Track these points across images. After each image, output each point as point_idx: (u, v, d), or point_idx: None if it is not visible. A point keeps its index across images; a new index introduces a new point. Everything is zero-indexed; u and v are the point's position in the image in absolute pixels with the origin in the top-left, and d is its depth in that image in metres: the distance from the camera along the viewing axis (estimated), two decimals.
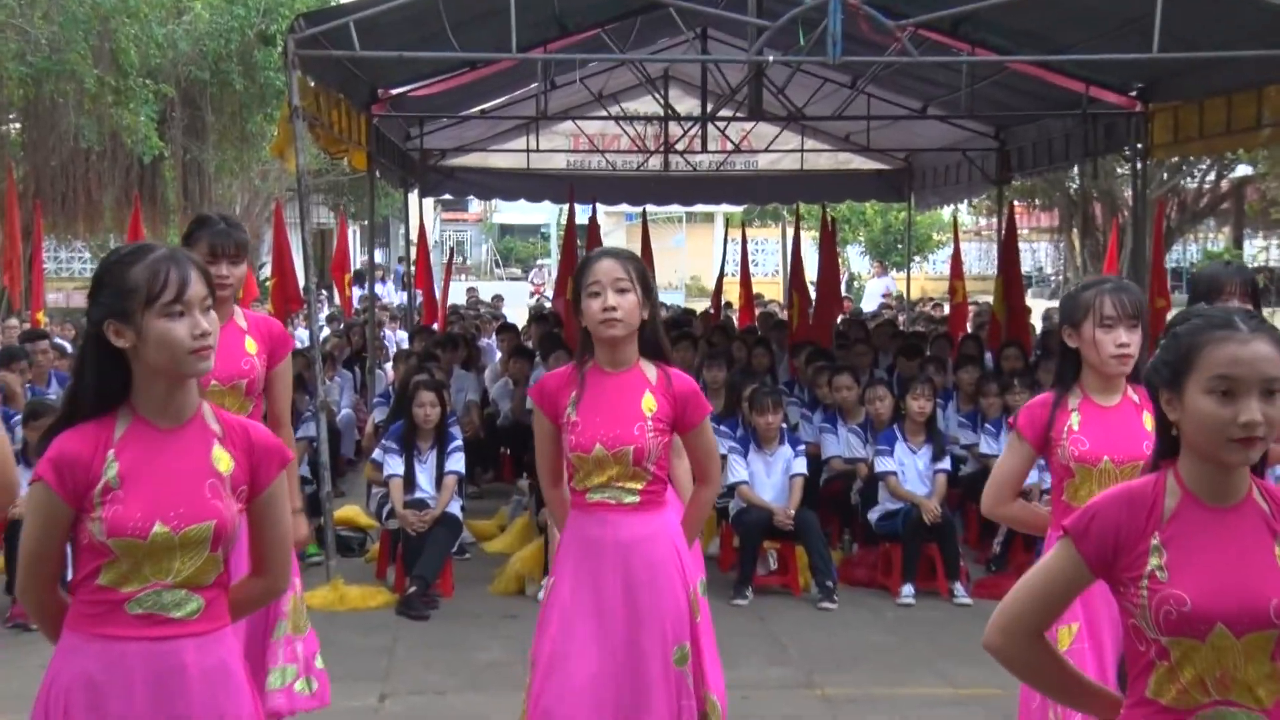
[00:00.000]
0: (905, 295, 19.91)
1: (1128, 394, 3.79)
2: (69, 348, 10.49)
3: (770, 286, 27.55)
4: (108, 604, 2.58)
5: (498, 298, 22.48)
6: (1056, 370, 3.90)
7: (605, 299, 3.69)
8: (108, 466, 2.58)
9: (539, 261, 41.02)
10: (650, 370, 3.80)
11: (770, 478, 7.78)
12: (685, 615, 3.75)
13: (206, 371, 2.63)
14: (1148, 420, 3.73)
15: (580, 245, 12.57)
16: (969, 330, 13.54)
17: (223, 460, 2.65)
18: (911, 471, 7.84)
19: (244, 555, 2.81)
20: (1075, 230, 20.76)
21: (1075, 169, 16.08)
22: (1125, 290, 3.74)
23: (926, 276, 31.26)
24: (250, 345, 4.53)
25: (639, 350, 3.80)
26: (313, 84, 8.39)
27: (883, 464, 7.85)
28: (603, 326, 3.71)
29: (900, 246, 28.41)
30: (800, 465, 7.83)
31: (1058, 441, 3.74)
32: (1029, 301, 13.48)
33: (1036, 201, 22.82)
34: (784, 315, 15.18)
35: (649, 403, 3.74)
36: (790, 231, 15.82)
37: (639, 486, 3.74)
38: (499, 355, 12.23)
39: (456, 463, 7.70)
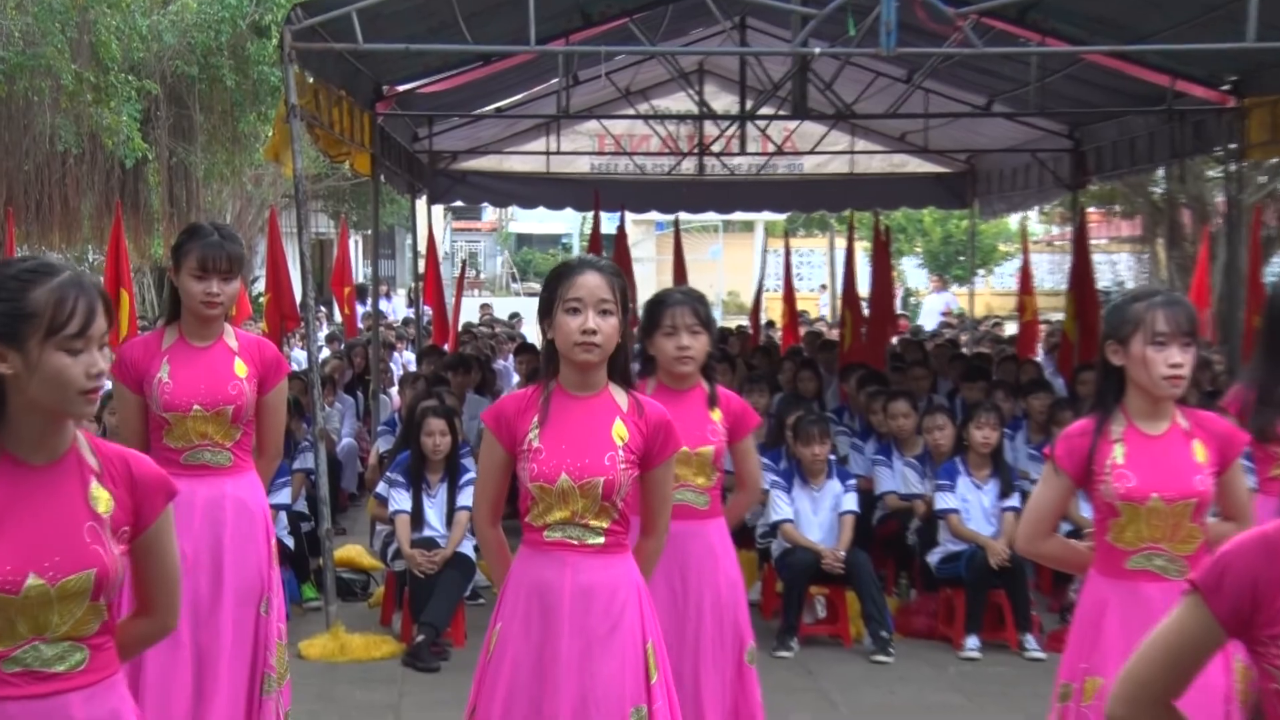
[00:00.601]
0: (968, 313, 19.87)
1: (1176, 420, 3.77)
2: None
3: (815, 303, 27.55)
4: None
5: (515, 315, 22.55)
6: (1096, 391, 3.87)
7: (585, 319, 3.67)
8: None
9: None
10: (620, 396, 3.77)
11: (817, 515, 7.77)
12: (641, 674, 3.66)
13: (92, 415, 2.61)
14: (1199, 450, 3.72)
15: (606, 257, 12.58)
16: (1041, 352, 13.50)
17: (101, 500, 2.62)
18: (976, 509, 7.81)
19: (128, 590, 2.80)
20: (1160, 240, 20.63)
21: (1160, 172, 16.01)
22: (1179, 304, 3.73)
23: (992, 292, 31.21)
24: (240, 368, 4.56)
25: (608, 374, 3.78)
26: (311, 80, 8.46)
27: (943, 501, 7.83)
28: (578, 349, 3.68)
29: (962, 258, 28.35)
30: (851, 502, 7.82)
31: (1100, 476, 3.72)
32: None
33: (1116, 208, 22.71)
34: (832, 334, 15.17)
35: (620, 431, 3.71)
36: (841, 242, 15.82)
37: (604, 525, 3.68)
38: (516, 379, 12.27)
39: (469, 497, 7.72)
